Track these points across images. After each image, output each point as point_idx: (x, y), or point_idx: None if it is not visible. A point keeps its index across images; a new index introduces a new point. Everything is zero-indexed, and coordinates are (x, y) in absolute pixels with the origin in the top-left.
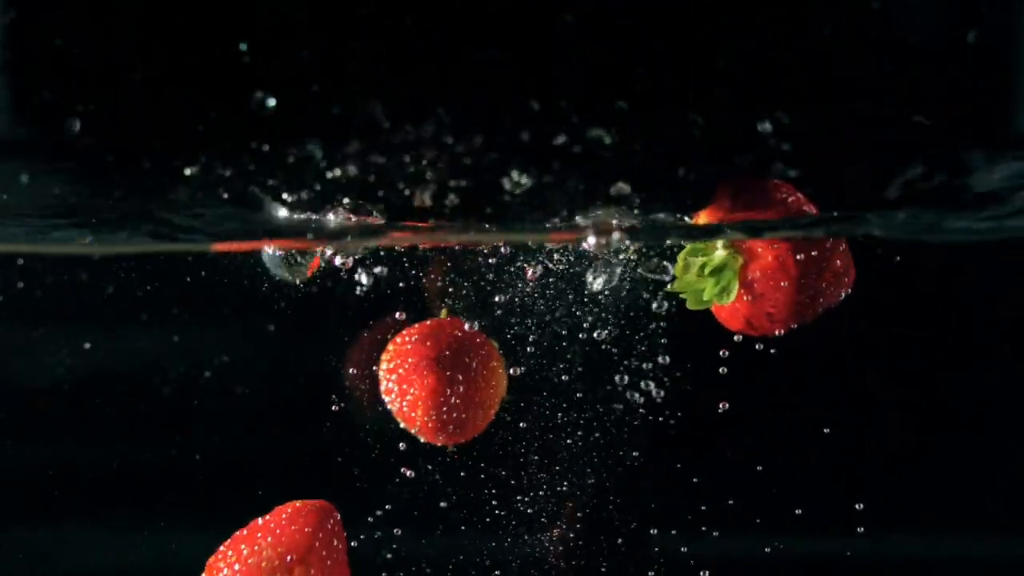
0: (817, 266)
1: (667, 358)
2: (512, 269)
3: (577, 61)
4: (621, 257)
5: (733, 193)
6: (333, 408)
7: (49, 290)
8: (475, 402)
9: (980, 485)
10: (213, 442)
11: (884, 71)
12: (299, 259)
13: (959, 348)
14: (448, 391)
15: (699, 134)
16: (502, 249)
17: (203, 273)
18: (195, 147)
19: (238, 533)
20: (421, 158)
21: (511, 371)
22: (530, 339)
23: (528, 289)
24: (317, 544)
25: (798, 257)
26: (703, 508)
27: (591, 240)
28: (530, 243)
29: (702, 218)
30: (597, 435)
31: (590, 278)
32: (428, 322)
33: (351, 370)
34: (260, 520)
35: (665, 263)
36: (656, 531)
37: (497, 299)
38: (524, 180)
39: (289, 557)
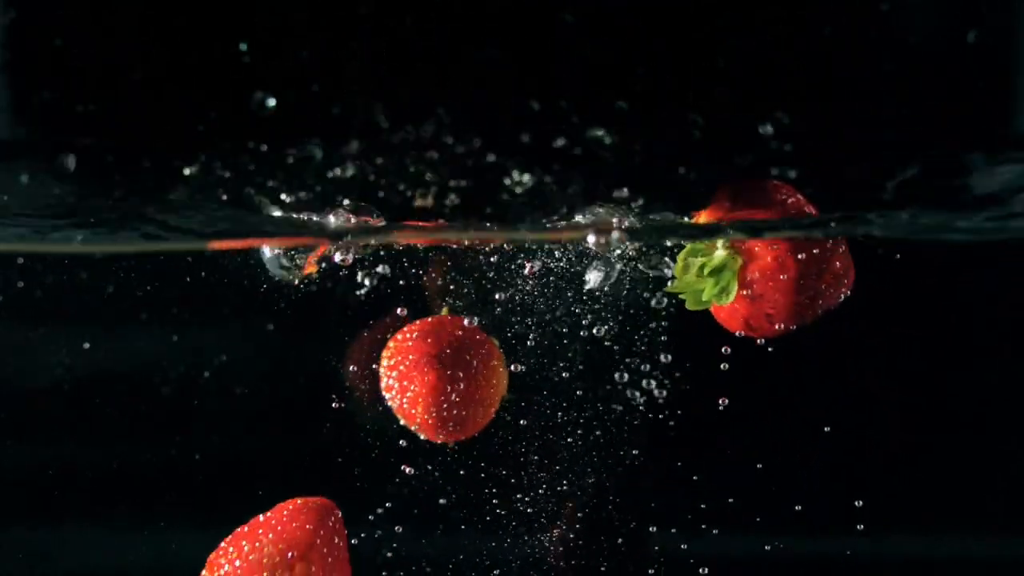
0: (817, 267)
1: (668, 357)
2: (513, 267)
3: (577, 61)
4: (619, 254)
5: (733, 194)
6: (333, 407)
7: (49, 290)
8: (475, 400)
9: (980, 485)
10: (213, 442)
11: (884, 71)
12: (297, 260)
13: (959, 348)
14: (448, 388)
15: (699, 134)
16: (505, 246)
17: (203, 273)
18: (194, 147)
19: (239, 530)
20: (421, 158)
21: (512, 368)
22: (531, 337)
23: (529, 287)
24: (318, 541)
25: (797, 258)
26: (703, 507)
27: (591, 239)
28: (528, 244)
29: (702, 219)
30: (598, 432)
31: (589, 276)
32: (429, 319)
33: (351, 369)
34: (261, 517)
35: (665, 258)
36: (656, 530)
37: (498, 297)
38: (526, 179)
39: (290, 554)
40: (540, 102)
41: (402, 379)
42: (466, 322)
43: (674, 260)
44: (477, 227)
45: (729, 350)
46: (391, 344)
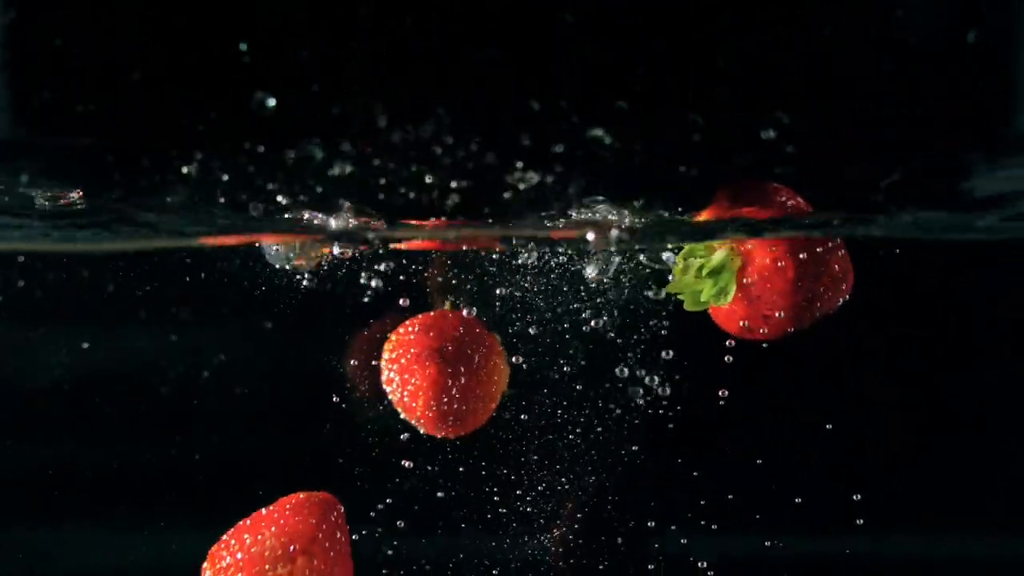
0: (815, 269)
1: (669, 353)
2: (514, 264)
3: (577, 61)
4: (617, 248)
5: (732, 195)
6: (333, 406)
7: (49, 290)
8: (476, 394)
9: (980, 485)
10: (213, 441)
11: (884, 71)
12: (299, 249)
13: (959, 348)
14: (449, 382)
15: (699, 134)
16: (513, 242)
17: (202, 273)
18: (194, 147)
19: (241, 523)
20: (421, 158)
21: (512, 360)
22: (532, 333)
23: (530, 284)
24: (320, 535)
25: (796, 260)
26: (703, 507)
27: (590, 236)
28: (529, 246)
29: (702, 219)
30: (599, 429)
31: (589, 269)
32: (431, 313)
33: (351, 368)
34: (264, 510)
35: (664, 255)
36: (656, 529)
37: (499, 292)
38: (526, 178)
39: (292, 547)
40: (540, 102)
41: (403, 372)
42: (465, 312)
43: (674, 257)
44: (477, 226)
45: (732, 344)
46: (392, 338)
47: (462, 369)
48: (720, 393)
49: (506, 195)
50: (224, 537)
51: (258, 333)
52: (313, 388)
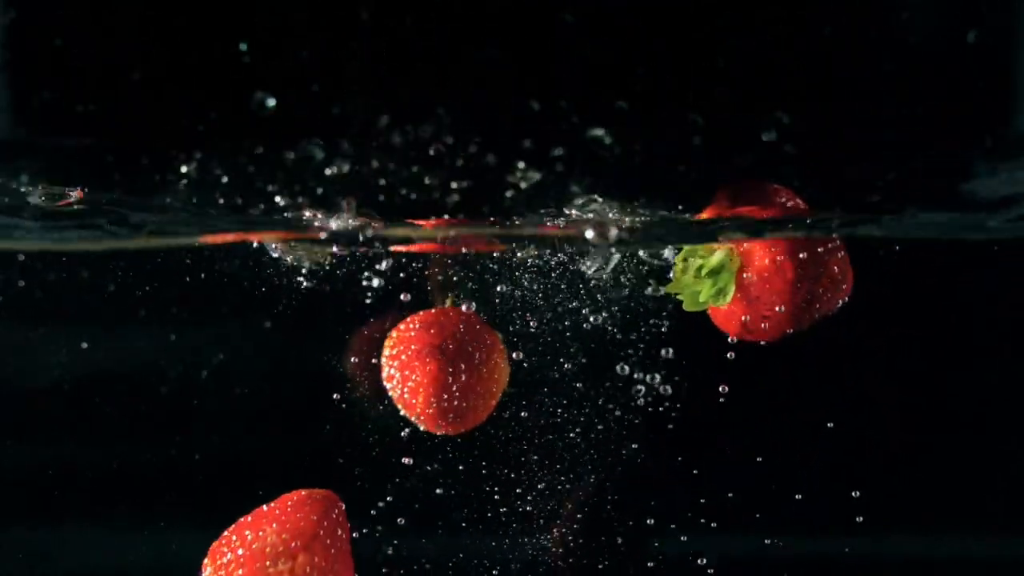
0: (815, 271)
1: (669, 351)
2: (515, 262)
3: (577, 61)
4: (617, 248)
5: (732, 196)
6: (333, 406)
7: (49, 290)
8: (476, 392)
9: (980, 485)
10: (212, 441)
11: (884, 71)
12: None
13: (959, 348)
14: (450, 379)
15: (699, 134)
16: (513, 245)
17: (202, 274)
18: (194, 147)
19: (242, 519)
20: (421, 158)
21: (513, 356)
22: (533, 332)
23: (529, 282)
24: (322, 532)
25: (795, 261)
26: (703, 507)
27: (589, 234)
28: (529, 247)
29: (701, 219)
30: (599, 427)
31: (587, 264)
32: (432, 310)
33: (352, 368)
34: (265, 507)
35: (668, 251)
36: (656, 529)
37: (499, 290)
38: (526, 178)
39: (293, 543)
40: (540, 102)
41: (403, 369)
42: (464, 307)
43: (674, 255)
44: (477, 225)
45: (733, 341)
46: (393, 334)
47: (463, 366)
48: (720, 391)
49: (507, 194)
50: (225, 533)
51: (257, 332)
52: (313, 387)
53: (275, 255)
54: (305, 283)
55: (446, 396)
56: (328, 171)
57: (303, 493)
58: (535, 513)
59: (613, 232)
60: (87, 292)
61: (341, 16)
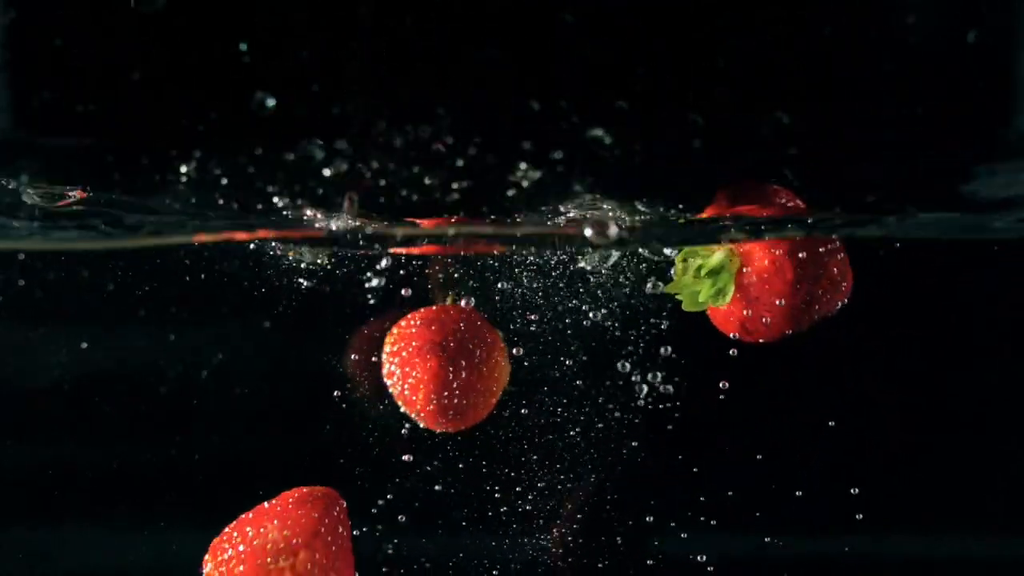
0: (814, 272)
1: (667, 349)
2: (515, 260)
3: (577, 61)
4: (617, 247)
5: (732, 196)
6: (333, 406)
7: (49, 289)
8: (476, 389)
9: (980, 485)
10: (212, 441)
11: (884, 71)
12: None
13: (959, 348)
14: (450, 376)
15: (699, 134)
16: (514, 246)
17: (202, 274)
18: (194, 147)
19: (243, 516)
20: (421, 158)
21: (514, 352)
22: (534, 330)
23: (529, 281)
24: (323, 530)
25: (795, 262)
26: (703, 506)
27: (588, 232)
28: (528, 249)
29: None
30: (599, 425)
31: (587, 260)
32: (433, 307)
33: (352, 367)
34: (266, 504)
35: (669, 249)
36: (656, 528)
37: (500, 287)
38: (530, 173)
39: (295, 540)
40: (540, 102)
41: (404, 365)
42: (463, 303)
43: (675, 254)
44: (477, 224)
45: (730, 351)
46: (394, 331)
47: (463, 363)
48: (721, 390)
49: (507, 193)
50: (226, 529)
51: (257, 332)
52: (313, 387)
53: (275, 254)
54: (305, 283)
55: (446, 393)
56: (328, 171)
57: (304, 490)
58: (535, 512)
59: (612, 230)
60: (87, 292)
61: (341, 16)
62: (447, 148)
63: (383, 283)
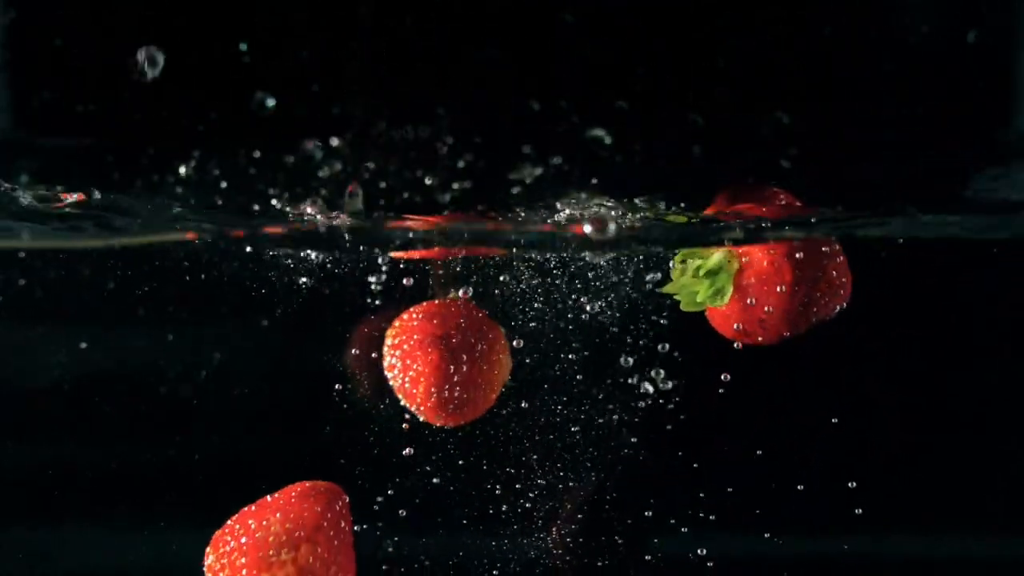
0: (812, 274)
1: (665, 346)
2: (515, 257)
3: (577, 61)
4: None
5: (732, 198)
6: (333, 406)
7: (49, 290)
8: (477, 383)
9: (980, 485)
10: (213, 441)
11: (884, 71)
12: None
13: (959, 348)
14: (451, 369)
15: (699, 134)
16: (514, 250)
17: (202, 274)
18: (194, 147)
19: (246, 509)
20: (422, 157)
21: (514, 344)
22: (536, 327)
23: (529, 277)
24: (325, 524)
25: (793, 263)
26: (703, 506)
27: (588, 229)
28: (528, 250)
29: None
30: (600, 422)
31: (586, 256)
32: (436, 301)
33: (352, 366)
34: (269, 497)
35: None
36: (656, 527)
37: (501, 282)
38: (530, 172)
39: (297, 533)
40: (540, 102)
41: (405, 358)
42: (461, 293)
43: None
44: (477, 222)
45: (731, 351)
46: (396, 323)
47: (464, 357)
48: (721, 391)
49: (507, 192)
50: (229, 522)
51: (257, 332)
52: (312, 386)
53: (275, 254)
54: (305, 282)
55: (447, 387)
56: (328, 171)
57: (307, 484)
58: (534, 509)
59: (612, 228)
60: (87, 292)
61: (341, 16)
62: (447, 148)
63: (384, 280)
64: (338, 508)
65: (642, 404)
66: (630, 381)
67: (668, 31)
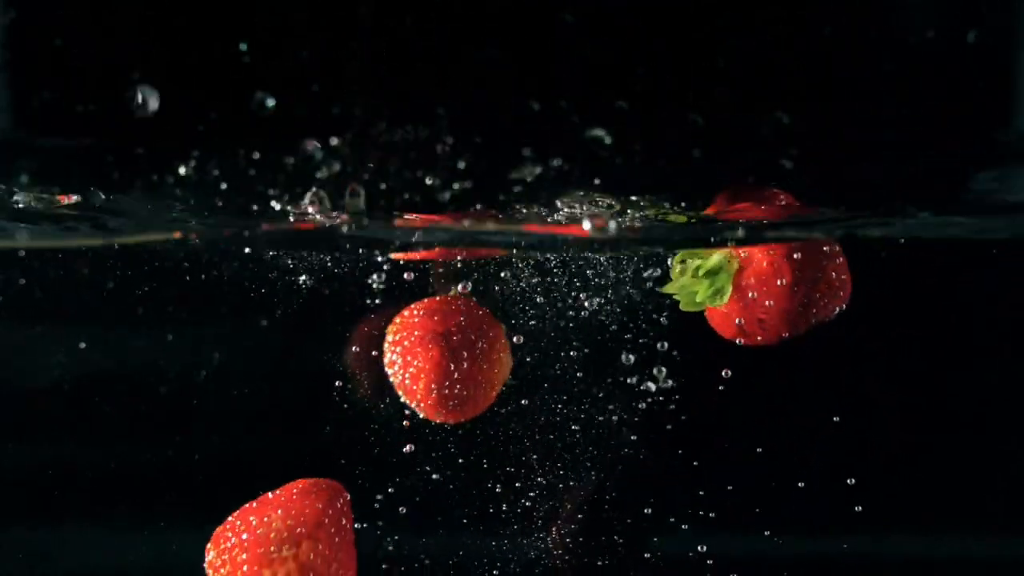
0: (812, 275)
1: (665, 345)
2: (516, 256)
3: (577, 61)
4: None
5: (732, 199)
6: (333, 406)
7: (49, 290)
8: (477, 380)
9: (980, 485)
10: (213, 441)
11: (884, 71)
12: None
13: (959, 348)
14: (451, 366)
15: (699, 134)
16: (514, 251)
17: (202, 275)
18: (193, 147)
19: (247, 505)
20: (423, 155)
21: (514, 340)
22: (537, 325)
23: (529, 276)
24: (326, 521)
25: (793, 264)
26: (703, 506)
27: (587, 226)
28: (527, 251)
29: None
30: (601, 421)
31: (586, 254)
32: (437, 298)
33: (352, 366)
34: (270, 494)
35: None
36: (656, 527)
37: (502, 280)
38: (530, 171)
39: (299, 530)
40: (540, 102)
41: (406, 355)
42: (460, 287)
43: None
44: (478, 222)
45: (731, 351)
46: (397, 320)
47: (465, 354)
48: (721, 390)
49: (507, 191)
50: (230, 519)
51: (257, 332)
52: (312, 386)
53: (275, 253)
54: (305, 282)
55: (447, 383)
56: (328, 171)
57: (309, 481)
58: (534, 508)
59: (611, 226)
60: (87, 292)
61: (341, 16)
62: (447, 148)
63: (384, 279)
64: (339, 505)
65: (642, 403)
66: (630, 380)
67: (668, 31)
